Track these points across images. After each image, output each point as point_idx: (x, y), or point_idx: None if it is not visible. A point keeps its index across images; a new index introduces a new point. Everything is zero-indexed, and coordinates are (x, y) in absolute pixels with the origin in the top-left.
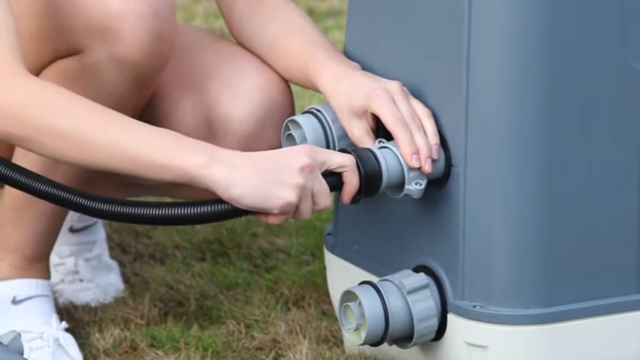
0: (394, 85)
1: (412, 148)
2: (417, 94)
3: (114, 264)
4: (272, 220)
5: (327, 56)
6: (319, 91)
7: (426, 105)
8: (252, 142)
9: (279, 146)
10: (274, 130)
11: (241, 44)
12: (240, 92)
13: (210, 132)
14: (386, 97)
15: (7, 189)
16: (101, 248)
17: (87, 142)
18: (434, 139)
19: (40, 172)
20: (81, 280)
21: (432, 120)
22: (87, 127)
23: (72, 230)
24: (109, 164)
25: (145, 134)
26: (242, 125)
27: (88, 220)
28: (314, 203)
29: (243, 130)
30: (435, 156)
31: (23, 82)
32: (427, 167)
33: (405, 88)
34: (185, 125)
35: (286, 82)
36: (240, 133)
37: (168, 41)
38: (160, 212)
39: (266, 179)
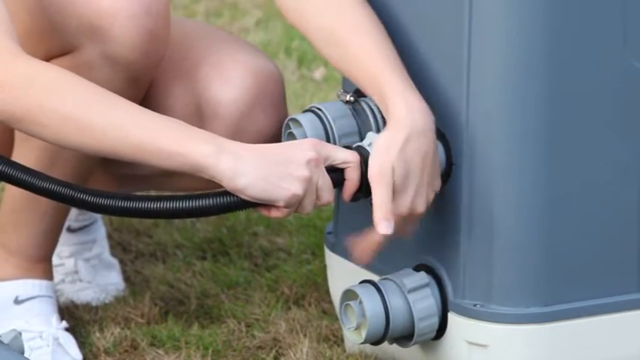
0: (419, 209)
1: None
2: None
3: (115, 262)
4: (274, 214)
5: (405, 85)
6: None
7: (427, 104)
8: (241, 127)
9: (269, 132)
10: (264, 115)
11: (293, 25)
12: (230, 76)
13: (199, 116)
14: (403, 214)
15: (8, 190)
16: (101, 247)
17: (91, 125)
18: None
19: (38, 169)
20: (81, 280)
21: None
22: (92, 109)
23: (70, 230)
24: (113, 149)
25: (151, 120)
26: (231, 109)
27: (86, 219)
28: (317, 198)
29: (232, 114)
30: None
31: (26, 62)
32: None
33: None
34: (176, 110)
35: (277, 68)
36: (229, 117)
37: (161, 40)
38: (162, 205)
39: (272, 171)
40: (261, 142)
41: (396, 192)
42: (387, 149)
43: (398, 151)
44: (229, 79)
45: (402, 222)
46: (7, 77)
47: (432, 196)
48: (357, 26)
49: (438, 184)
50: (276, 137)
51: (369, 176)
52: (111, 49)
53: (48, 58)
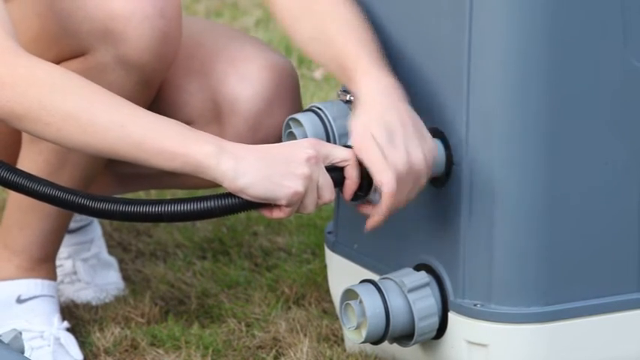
0: (413, 167)
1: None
2: (418, 93)
3: (113, 260)
4: (276, 214)
5: (371, 62)
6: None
7: (427, 104)
8: (259, 122)
9: None
10: (281, 110)
11: (280, 24)
12: (246, 72)
13: (216, 113)
14: (397, 173)
15: (12, 192)
16: (98, 246)
17: (93, 124)
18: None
19: (47, 173)
20: (80, 281)
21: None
22: (94, 107)
23: (68, 231)
24: (114, 149)
25: (152, 121)
26: (249, 105)
27: (83, 220)
28: (318, 197)
29: (251, 110)
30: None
31: (27, 61)
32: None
33: (418, 173)
34: (191, 108)
35: (291, 62)
36: (248, 113)
37: (174, 41)
38: (163, 209)
39: (273, 170)
40: (278, 138)
41: (386, 152)
42: (364, 123)
43: (375, 122)
44: (246, 75)
45: (405, 185)
46: (8, 75)
47: (429, 154)
48: (339, 20)
49: (430, 144)
50: None
51: (354, 149)
52: (124, 52)
53: (58, 62)
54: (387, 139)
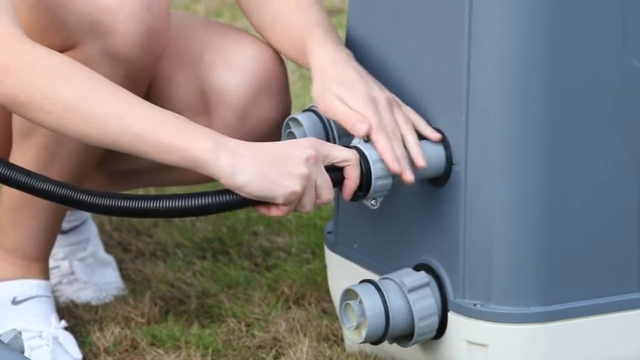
0: (381, 97)
1: (393, 153)
2: (418, 93)
3: (111, 259)
4: (274, 212)
5: (324, 35)
6: (309, 69)
7: (427, 104)
8: (247, 113)
9: (274, 118)
10: (270, 100)
11: (245, 16)
12: (234, 62)
13: (204, 103)
14: (370, 106)
15: (5, 189)
16: (94, 245)
17: (93, 114)
18: (416, 148)
19: (36, 168)
20: (78, 281)
21: (413, 132)
22: (95, 98)
23: (62, 232)
24: (113, 139)
25: (152, 113)
26: (237, 94)
27: (77, 219)
28: (316, 196)
29: (239, 99)
30: (421, 163)
31: (31, 49)
32: (408, 175)
33: (392, 99)
34: (179, 99)
35: (279, 54)
36: (236, 102)
37: (161, 36)
38: (162, 204)
39: (271, 168)
40: (267, 128)
41: (350, 103)
42: (323, 87)
43: (333, 82)
44: (233, 65)
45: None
46: (12, 62)
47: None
48: (289, 2)
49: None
50: (280, 125)
51: (321, 112)
52: (112, 46)
53: None
54: (348, 90)
